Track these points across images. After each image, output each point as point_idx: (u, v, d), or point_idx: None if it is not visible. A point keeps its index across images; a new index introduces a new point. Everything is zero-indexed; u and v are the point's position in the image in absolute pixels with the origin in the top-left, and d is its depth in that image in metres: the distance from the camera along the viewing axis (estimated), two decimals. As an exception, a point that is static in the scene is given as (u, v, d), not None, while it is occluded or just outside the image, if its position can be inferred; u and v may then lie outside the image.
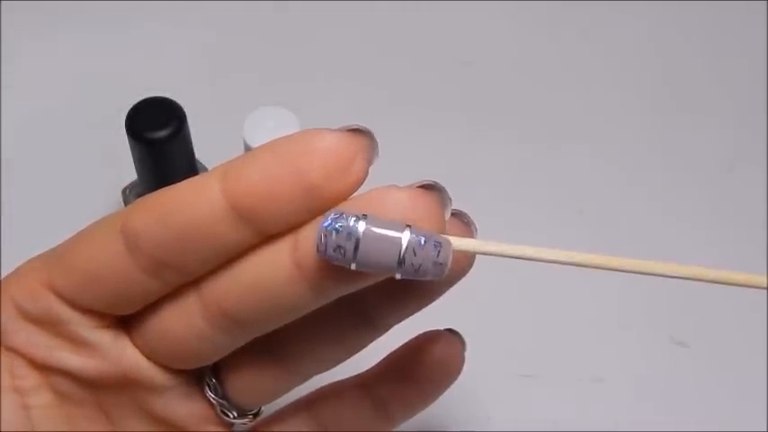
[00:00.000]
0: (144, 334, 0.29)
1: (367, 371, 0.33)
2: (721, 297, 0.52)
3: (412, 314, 0.30)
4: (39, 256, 0.30)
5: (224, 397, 0.30)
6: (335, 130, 0.26)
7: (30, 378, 0.29)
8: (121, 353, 0.29)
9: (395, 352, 0.32)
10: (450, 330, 0.32)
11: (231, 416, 0.30)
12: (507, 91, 0.59)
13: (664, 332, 0.51)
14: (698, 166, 0.57)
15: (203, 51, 0.60)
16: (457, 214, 0.28)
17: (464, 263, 0.29)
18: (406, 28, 0.61)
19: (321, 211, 0.25)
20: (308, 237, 0.25)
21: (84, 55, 0.59)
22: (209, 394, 0.30)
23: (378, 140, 0.28)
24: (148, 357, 0.29)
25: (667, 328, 0.51)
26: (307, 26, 0.61)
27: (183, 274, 0.27)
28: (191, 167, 0.46)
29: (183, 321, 0.28)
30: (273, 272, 0.25)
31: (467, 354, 0.51)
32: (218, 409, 0.30)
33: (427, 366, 0.31)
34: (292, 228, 0.25)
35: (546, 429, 0.48)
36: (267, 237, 0.26)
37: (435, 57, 0.60)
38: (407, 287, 0.28)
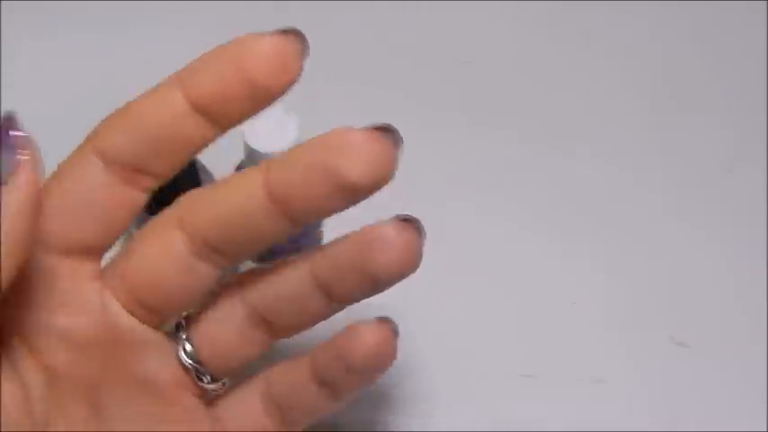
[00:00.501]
0: (127, 276, 0.30)
1: (316, 348, 0.33)
2: (721, 297, 0.52)
3: (364, 286, 0.30)
4: None
5: (198, 362, 0.31)
6: (271, 34, 0.29)
7: (25, 362, 0.29)
8: (105, 308, 0.30)
9: (336, 337, 0.32)
10: (381, 319, 0.32)
11: (205, 380, 0.31)
12: (507, 91, 0.59)
13: (664, 332, 0.51)
14: (698, 166, 0.57)
15: (203, 51, 0.60)
16: (411, 220, 0.29)
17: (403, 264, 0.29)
18: (407, 28, 0.61)
19: (265, 105, 0.29)
20: (278, 166, 0.28)
21: (84, 55, 0.59)
22: (184, 358, 0.31)
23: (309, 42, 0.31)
24: (131, 312, 0.30)
25: (667, 328, 0.51)
26: (307, 26, 0.61)
27: (161, 179, 0.29)
28: (190, 167, 0.46)
29: (166, 255, 0.29)
30: (248, 200, 0.28)
31: (467, 354, 0.51)
32: (193, 373, 0.31)
33: (360, 354, 0.31)
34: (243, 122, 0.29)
35: (546, 429, 0.48)
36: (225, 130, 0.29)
37: (435, 57, 0.60)
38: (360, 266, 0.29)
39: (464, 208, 0.55)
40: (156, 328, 0.31)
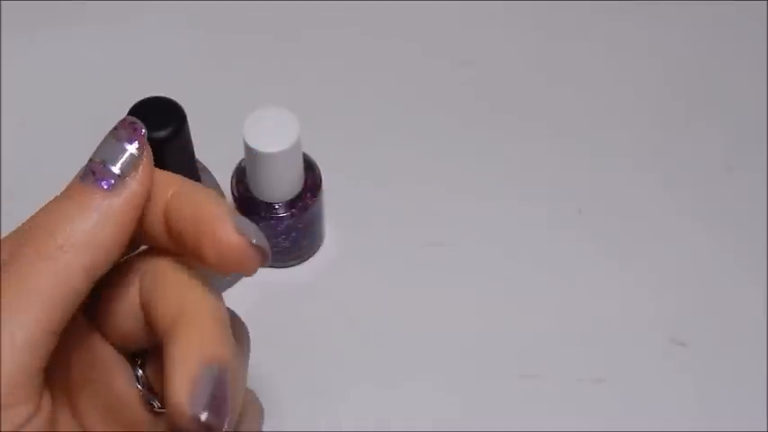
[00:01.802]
0: (94, 314, 0.30)
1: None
2: (721, 297, 0.52)
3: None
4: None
5: (149, 388, 0.32)
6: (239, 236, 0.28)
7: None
8: (91, 336, 0.30)
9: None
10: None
11: (155, 405, 0.32)
12: (507, 91, 0.59)
13: (664, 332, 0.51)
14: (698, 166, 0.57)
15: (203, 51, 0.60)
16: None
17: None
18: (406, 28, 0.61)
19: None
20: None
21: (84, 55, 0.59)
22: (137, 385, 0.32)
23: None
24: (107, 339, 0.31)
25: (667, 328, 0.51)
26: (307, 26, 0.61)
27: None
28: (191, 167, 0.46)
29: (123, 302, 0.30)
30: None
31: (467, 354, 0.51)
32: (144, 398, 0.32)
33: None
34: None
35: (546, 429, 0.48)
36: None
37: (435, 57, 0.60)
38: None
39: (464, 207, 0.55)
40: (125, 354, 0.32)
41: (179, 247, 0.29)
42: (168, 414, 0.26)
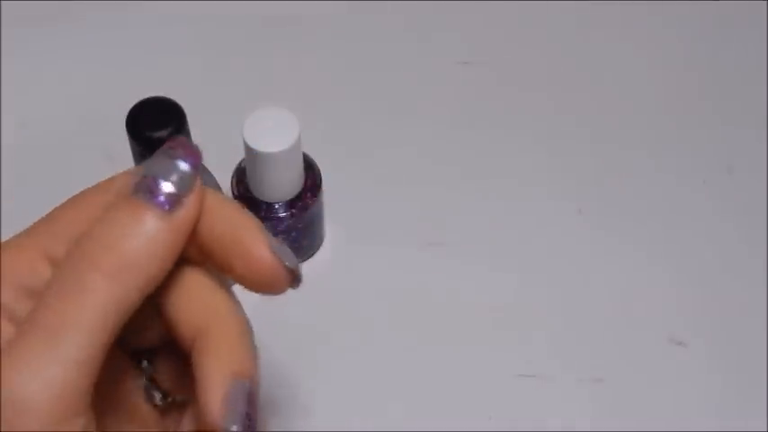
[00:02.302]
0: None
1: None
2: (721, 297, 0.52)
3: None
4: (24, 232, 0.30)
5: (154, 383, 0.32)
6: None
7: None
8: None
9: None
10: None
11: (157, 398, 0.32)
12: (507, 91, 0.59)
13: (664, 332, 0.51)
14: (698, 166, 0.57)
15: (203, 51, 0.60)
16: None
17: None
18: (406, 28, 0.61)
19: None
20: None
21: (84, 55, 0.59)
22: (144, 379, 0.32)
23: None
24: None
25: (667, 328, 0.51)
26: (307, 27, 0.61)
27: None
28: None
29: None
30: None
31: (467, 354, 0.51)
32: (147, 391, 0.32)
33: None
34: None
35: (546, 429, 0.48)
36: None
37: (435, 57, 0.60)
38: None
39: (464, 207, 0.55)
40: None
41: (204, 258, 0.29)
42: (203, 427, 0.27)
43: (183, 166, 0.28)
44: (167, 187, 0.27)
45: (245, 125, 0.46)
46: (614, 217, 0.55)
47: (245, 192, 0.49)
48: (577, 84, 0.60)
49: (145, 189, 0.27)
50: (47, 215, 0.30)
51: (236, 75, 0.59)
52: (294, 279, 0.29)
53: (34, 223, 0.30)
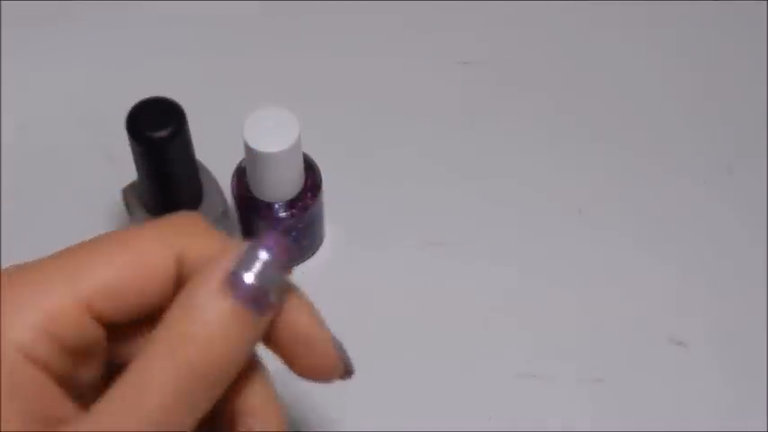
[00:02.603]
0: None
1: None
2: (721, 297, 0.52)
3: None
4: (45, 274, 0.28)
5: None
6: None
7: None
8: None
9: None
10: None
11: None
12: (507, 91, 0.59)
13: (664, 332, 0.51)
14: (698, 166, 0.57)
15: (203, 51, 0.60)
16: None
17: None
18: (406, 28, 0.61)
19: None
20: None
21: (84, 55, 0.59)
22: None
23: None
24: None
25: (667, 328, 0.51)
26: (307, 27, 0.61)
27: None
28: (191, 167, 0.46)
29: None
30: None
31: (467, 353, 0.51)
32: None
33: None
34: None
35: (546, 429, 0.48)
36: None
37: (435, 57, 0.60)
38: None
39: (464, 207, 0.55)
40: None
41: (265, 340, 0.29)
42: None
43: (284, 275, 0.27)
44: (269, 297, 0.27)
45: (245, 125, 0.46)
46: (614, 217, 0.55)
47: (245, 192, 0.49)
48: (577, 84, 0.60)
49: (248, 299, 0.26)
50: (79, 252, 0.28)
51: (236, 75, 0.59)
52: (347, 373, 0.30)
53: (63, 258, 0.28)
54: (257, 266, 0.27)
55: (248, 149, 0.46)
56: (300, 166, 0.48)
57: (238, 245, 0.27)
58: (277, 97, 0.49)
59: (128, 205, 0.47)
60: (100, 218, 0.53)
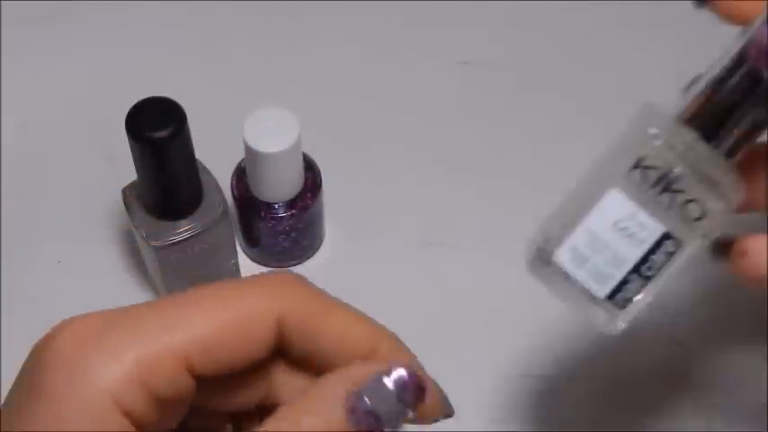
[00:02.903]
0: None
1: None
2: (721, 298, 0.52)
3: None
4: (146, 322, 0.28)
5: None
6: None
7: None
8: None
9: None
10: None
11: None
12: (507, 91, 0.59)
13: (664, 332, 0.51)
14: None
15: (203, 51, 0.60)
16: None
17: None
18: (406, 28, 0.61)
19: None
20: None
21: (84, 55, 0.59)
22: None
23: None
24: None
25: (667, 328, 0.51)
26: (307, 27, 0.61)
27: None
28: (191, 167, 0.46)
29: None
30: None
31: (467, 353, 0.51)
32: None
33: None
34: None
35: (546, 429, 0.48)
36: None
37: (435, 57, 0.60)
38: None
39: (463, 207, 0.55)
40: None
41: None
42: None
43: (409, 412, 0.28)
44: (373, 419, 0.27)
45: (245, 125, 0.46)
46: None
47: (245, 192, 0.49)
48: (577, 84, 0.60)
49: (355, 412, 0.27)
50: (180, 303, 0.28)
51: (236, 75, 0.59)
52: (447, 415, 0.32)
53: (164, 307, 0.28)
54: (383, 395, 0.28)
55: (248, 149, 0.46)
56: (300, 166, 0.48)
57: (377, 363, 0.29)
58: (277, 97, 0.49)
59: (128, 205, 0.47)
60: (100, 218, 0.53)
